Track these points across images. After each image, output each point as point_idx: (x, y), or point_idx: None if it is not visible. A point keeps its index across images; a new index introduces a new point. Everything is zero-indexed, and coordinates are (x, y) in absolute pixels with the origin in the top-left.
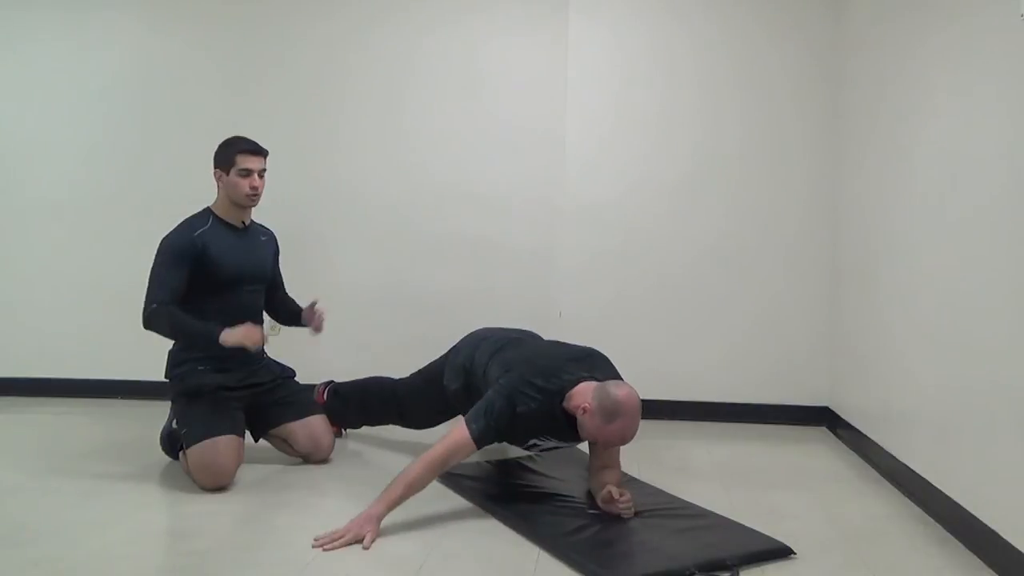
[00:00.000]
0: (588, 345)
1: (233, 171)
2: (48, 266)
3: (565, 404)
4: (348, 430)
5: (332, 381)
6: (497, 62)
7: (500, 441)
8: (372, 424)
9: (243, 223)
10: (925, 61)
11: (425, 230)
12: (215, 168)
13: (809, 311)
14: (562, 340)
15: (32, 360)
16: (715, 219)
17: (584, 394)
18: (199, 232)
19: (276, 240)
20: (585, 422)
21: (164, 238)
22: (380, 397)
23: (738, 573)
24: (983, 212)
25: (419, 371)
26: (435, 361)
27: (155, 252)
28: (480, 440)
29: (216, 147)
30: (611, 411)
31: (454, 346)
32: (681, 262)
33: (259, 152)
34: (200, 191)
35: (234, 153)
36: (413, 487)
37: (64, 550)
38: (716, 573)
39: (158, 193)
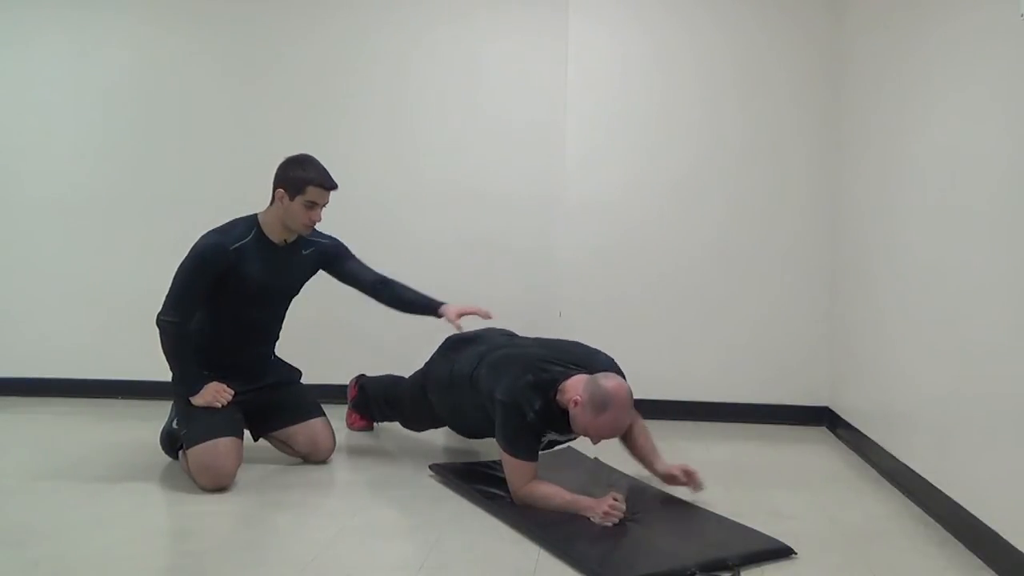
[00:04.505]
0: (588, 345)
1: (299, 199)
2: (48, 266)
3: (558, 397)
4: (378, 423)
5: (363, 375)
6: (497, 62)
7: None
8: (392, 420)
9: (285, 241)
10: (925, 61)
11: (425, 229)
12: (277, 186)
13: (809, 311)
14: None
15: (32, 360)
16: (715, 218)
17: (575, 387)
18: (236, 246)
19: (324, 251)
20: (577, 415)
21: (203, 237)
22: (388, 397)
23: (739, 573)
24: (982, 212)
25: (411, 376)
26: (417, 371)
27: (190, 247)
28: (531, 457)
29: (282, 162)
30: (601, 403)
31: (430, 358)
32: (681, 262)
33: (333, 187)
34: (201, 192)
35: (306, 183)
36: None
37: (64, 550)
38: (717, 573)
39: (159, 193)
